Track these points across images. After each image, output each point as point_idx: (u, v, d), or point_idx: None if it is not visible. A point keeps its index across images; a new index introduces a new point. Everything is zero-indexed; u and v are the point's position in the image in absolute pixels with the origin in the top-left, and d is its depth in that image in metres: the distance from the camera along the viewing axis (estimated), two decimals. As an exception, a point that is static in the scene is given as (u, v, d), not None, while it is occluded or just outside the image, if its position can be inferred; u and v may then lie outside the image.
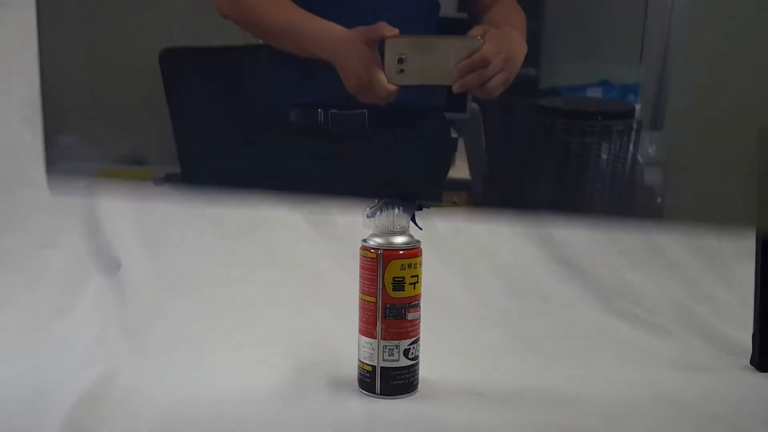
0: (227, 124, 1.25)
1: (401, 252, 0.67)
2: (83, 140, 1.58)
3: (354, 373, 0.70)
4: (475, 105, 1.72)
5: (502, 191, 1.55)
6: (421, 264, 0.69)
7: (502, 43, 0.91)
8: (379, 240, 0.68)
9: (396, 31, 0.88)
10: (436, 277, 1.03)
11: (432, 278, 0.73)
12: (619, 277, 1.23)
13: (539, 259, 1.30)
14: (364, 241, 0.67)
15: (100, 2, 1.54)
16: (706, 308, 0.91)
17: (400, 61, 0.90)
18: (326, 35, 0.95)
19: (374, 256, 0.67)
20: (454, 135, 1.31)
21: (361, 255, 0.68)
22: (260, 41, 1.09)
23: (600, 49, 1.73)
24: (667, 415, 0.67)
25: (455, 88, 0.90)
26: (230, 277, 1.10)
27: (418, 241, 0.68)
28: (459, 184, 1.30)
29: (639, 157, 1.54)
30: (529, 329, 0.87)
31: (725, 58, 1.72)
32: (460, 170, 1.29)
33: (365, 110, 1.01)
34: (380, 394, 0.69)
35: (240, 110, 1.22)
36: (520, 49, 0.95)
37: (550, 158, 1.52)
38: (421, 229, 0.69)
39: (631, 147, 1.53)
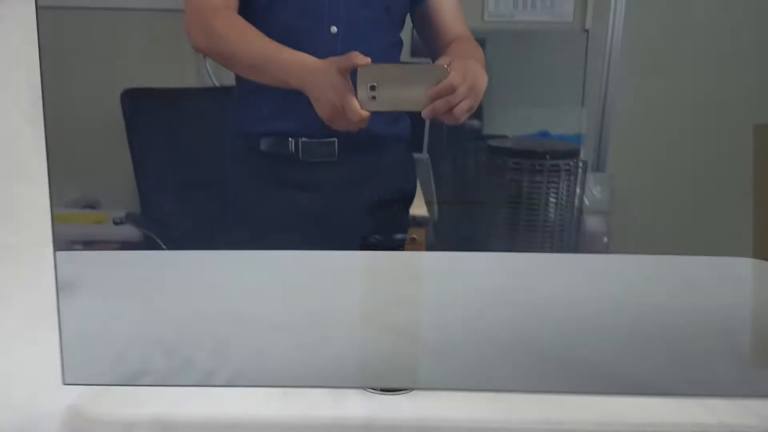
0: (190, 161, 1.26)
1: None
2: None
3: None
4: (425, 155, 1.78)
5: (454, 232, 1.59)
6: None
7: (467, 71, 0.96)
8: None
9: (368, 59, 0.93)
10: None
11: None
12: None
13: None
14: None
15: (54, 49, 1.54)
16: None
17: (372, 88, 0.94)
18: (300, 65, 0.99)
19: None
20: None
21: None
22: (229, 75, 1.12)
23: (541, 96, 1.82)
24: (658, 407, 0.70)
25: (424, 114, 0.95)
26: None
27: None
28: (419, 221, 1.34)
29: (585, 198, 1.60)
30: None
31: (664, 96, 1.83)
32: (418, 207, 1.32)
33: (335, 139, 1.04)
34: (381, 390, 0.70)
35: (204, 147, 1.24)
36: (483, 79, 1.00)
37: (502, 197, 1.56)
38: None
39: (577, 187, 1.59)
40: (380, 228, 1.04)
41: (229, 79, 1.25)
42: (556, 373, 0.73)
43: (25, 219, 1.00)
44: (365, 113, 0.95)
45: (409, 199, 1.17)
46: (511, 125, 1.80)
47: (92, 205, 1.59)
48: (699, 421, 0.62)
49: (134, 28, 1.71)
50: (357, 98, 0.94)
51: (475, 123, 1.91)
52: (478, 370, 0.69)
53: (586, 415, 0.67)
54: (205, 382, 0.69)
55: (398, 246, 1.07)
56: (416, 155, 1.56)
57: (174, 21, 1.73)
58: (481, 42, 1.24)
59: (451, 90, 0.94)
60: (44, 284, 0.85)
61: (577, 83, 1.84)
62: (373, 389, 0.66)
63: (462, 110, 0.96)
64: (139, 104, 1.38)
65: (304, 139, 1.05)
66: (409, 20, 1.13)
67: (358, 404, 0.68)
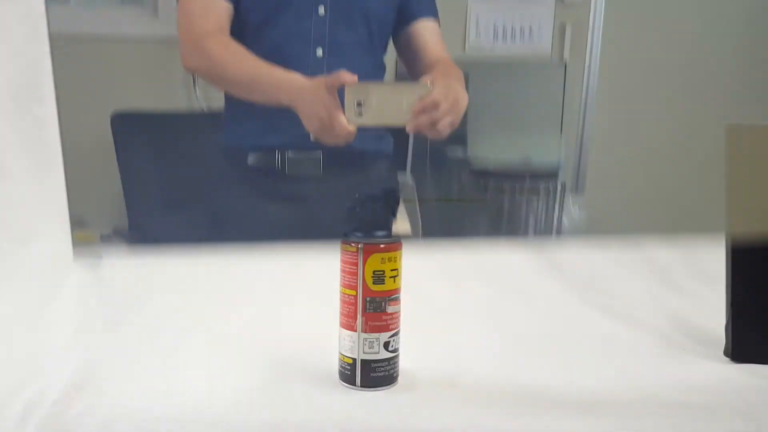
0: (178, 179, 1.29)
1: (381, 246, 0.72)
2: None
3: (335, 366, 0.73)
4: (409, 176, 1.82)
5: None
6: (401, 258, 0.73)
7: (449, 89, 1.00)
8: (359, 234, 0.73)
9: (355, 77, 0.96)
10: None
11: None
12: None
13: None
14: (345, 235, 0.71)
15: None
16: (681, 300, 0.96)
17: (359, 104, 0.98)
18: (290, 83, 1.02)
19: (354, 250, 0.71)
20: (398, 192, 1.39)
21: (342, 249, 0.72)
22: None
23: (522, 124, 1.87)
24: (642, 405, 0.71)
25: (409, 128, 0.98)
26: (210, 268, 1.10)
27: (399, 236, 0.73)
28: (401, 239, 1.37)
29: (564, 219, 1.65)
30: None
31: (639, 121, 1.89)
32: (401, 225, 1.36)
33: (320, 152, 1.08)
34: (360, 387, 0.72)
35: (189, 164, 1.27)
36: (464, 97, 1.04)
37: (484, 216, 1.60)
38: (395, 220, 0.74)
39: (556, 207, 1.63)
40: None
41: (217, 103, 1.28)
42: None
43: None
44: (352, 128, 0.98)
45: (392, 210, 1.20)
46: (494, 151, 1.85)
47: (80, 224, 1.61)
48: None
49: (126, 54, 1.76)
50: (344, 114, 0.98)
51: (459, 151, 1.96)
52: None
53: (569, 411, 0.69)
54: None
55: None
56: (401, 176, 1.60)
57: (165, 49, 1.78)
58: (464, 74, 1.28)
59: (435, 106, 0.97)
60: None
61: (556, 112, 1.90)
62: (353, 385, 0.68)
63: (445, 125, 0.99)
64: (128, 127, 1.42)
65: (290, 154, 1.08)
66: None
67: (338, 400, 0.70)
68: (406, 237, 1.38)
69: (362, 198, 0.68)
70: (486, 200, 1.56)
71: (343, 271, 0.73)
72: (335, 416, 0.68)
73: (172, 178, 1.38)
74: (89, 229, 1.52)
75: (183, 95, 1.65)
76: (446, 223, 1.58)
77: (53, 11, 0.90)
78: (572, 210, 1.66)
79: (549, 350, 0.82)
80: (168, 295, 0.92)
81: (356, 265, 0.72)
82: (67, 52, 1.44)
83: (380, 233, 0.72)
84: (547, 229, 1.59)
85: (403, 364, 0.71)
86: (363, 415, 0.68)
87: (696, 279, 0.93)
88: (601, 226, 1.57)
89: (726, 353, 0.75)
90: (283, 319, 0.87)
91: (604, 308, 0.88)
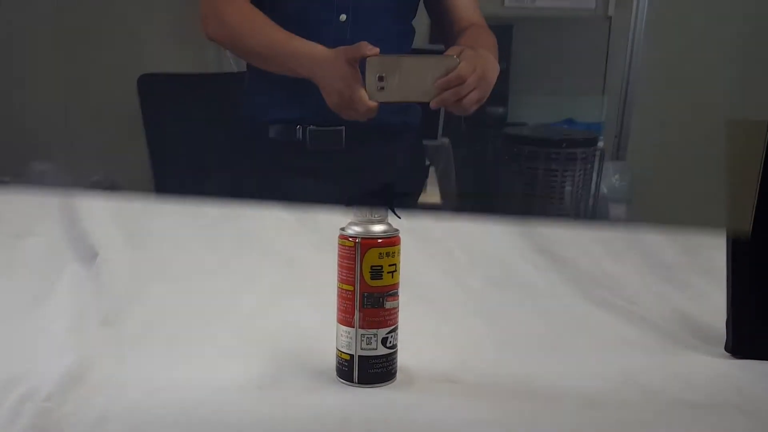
0: (204, 145, 1.28)
1: (379, 240, 0.69)
2: (57, 166, 1.58)
3: (332, 362, 0.72)
4: (445, 139, 1.77)
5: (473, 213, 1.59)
6: (399, 253, 0.71)
7: (477, 62, 0.95)
8: (357, 228, 0.70)
9: (377, 50, 0.92)
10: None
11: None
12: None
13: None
14: (342, 229, 0.69)
15: (74, 30, 1.56)
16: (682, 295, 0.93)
17: (381, 78, 0.93)
18: (309, 54, 0.98)
19: (352, 244, 0.68)
20: (426, 162, 1.35)
21: (339, 243, 0.69)
22: (235, 65, 1.14)
23: (564, 85, 1.80)
24: (642, 402, 0.69)
25: (432, 105, 0.94)
26: (208, 266, 1.10)
27: (397, 230, 0.70)
28: (431, 209, 1.34)
29: (603, 186, 1.59)
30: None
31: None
32: (432, 196, 1.32)
33: (343, 127, 1.05)
34: (358, 383, 0.70)
35: (216, 131, 1.25)
36: (494, 69, 0.99)
37: (518, 184, 1.56)
38: (399, 217, 0.72)
39: (594, 175, 1.58)
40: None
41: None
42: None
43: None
44: (373, 104, 0.95)
45: (418, 188, 1.17)
46: (533, 113, 1.79)
47: (112, 188, 1.62)
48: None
49: (155, 12, 1.73)
50: (365, 88, 0.94)
51: (499, 110, 1.90)
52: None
53: (567, 407, 0.67)
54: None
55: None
56: (434, 142, 1.56)
57: (195, 6, 1.74)
58: (505, 29, 1.22)
59: (460, 81, 0.92)
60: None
61: (598, 71, 1.81)
62: (351, 382, 0.66)
63: (471, 101, 0.95)
64: (155, 89, 1.40)
65: (312, 127, 1.06)
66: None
67: (335, 397, 0.69)
68: (437, 208, 1.35)
69: (359, 195, 0.65)
70: (520, 167, 1.50)
71: (340, 266, 0.71)
72: (332, 413, 0.67)
73: (199, 141, 1.37)
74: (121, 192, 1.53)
75: (214, 56, 1.62)
76: (480, 188, 1.54)
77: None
78: (612, 178, 1.60)
79: (550, 345, 0.80)
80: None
81: (353, 260, 0.70)
82: (93, 12, 1.43)
83: (378, 229, 0.70)
84: (585, 197, 1.54)
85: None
86: (360, 413, 0.66)
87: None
88: (643, 196, 1.51)
89: (727, 349, 0.73)
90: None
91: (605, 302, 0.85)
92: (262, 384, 0.71)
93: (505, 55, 1.39)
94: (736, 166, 0.66)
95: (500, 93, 1.80)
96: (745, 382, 0.72)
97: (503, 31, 1.49)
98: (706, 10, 1.83)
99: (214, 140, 1.28)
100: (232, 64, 1.75)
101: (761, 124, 0.62)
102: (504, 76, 1.06)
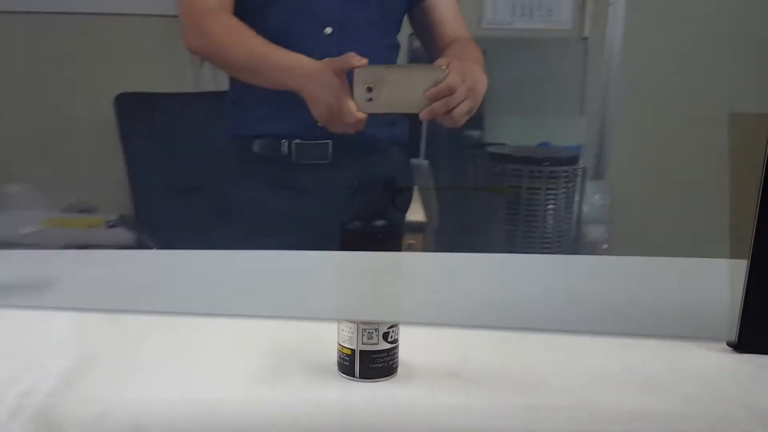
0: (182, 163, 1.25)
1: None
2: (30, 189, 1.55)
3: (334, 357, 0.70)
4: (424, 161, 1.77)
5: (454, 235, 1.57)
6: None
7: (466, 73, 0.94)
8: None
9: (365, 60, 0.90)
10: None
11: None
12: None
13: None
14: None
15: (48, 52, 1.54)
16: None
17: (369, 89, 0.92)
18: (296, 66, 0.97)
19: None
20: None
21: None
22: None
23: (541, 105, 1.81)
24: (643, 395, 0.68)
25: (422, 116, 0.93)
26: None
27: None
28: (415, 227, 1.32)
29: (584, 206, 1.59)
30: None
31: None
32: (416, 213, 1.31)
33: (329, 141, 1.03)
34: (359, 378, 0.68)
35: (195, 149, 1.22)
36: (482, 80, 0.98)
37: (501, 202, 1.55)
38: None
39: (576, 194, 1.58)
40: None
41: (226, 85, 1.24)
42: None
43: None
44: (362, 115, 0.93)
45: (405, 203, 1.15)
46: (511, 134, 1.79)
47: (87, 210, 1.58)
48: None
49: (131, 33, 1.71)
50: (354, 100, 0.92)
51: (475, 133, 1.91)
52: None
53: (566, 401, 0.66)
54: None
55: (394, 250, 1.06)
56: (415, 161, 1.55)
57: (171, 25, 1.73)
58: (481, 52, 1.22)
59: (450, 91, 0.91)
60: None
61: (576, 91, 1.83)
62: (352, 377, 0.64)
63: (461, 112, 0.93)
64: (133, 108, 1.38)
65: (297, 140, 1.04)
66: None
67: (337, 391, 0.67)
68: (421, 226, 1.33)
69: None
70: (503, 187, 1.50)
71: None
72: (333, 409, 0.65)
73: (178, 162, 1.34)
74: (98, 215, 1.49)
75: (191, 76, 1.60)
76: (462, 210, 1.53)
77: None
78: (593, 197, 1.60)
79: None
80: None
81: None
82: (72, 31, 1.40)
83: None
84: (567, 217, 1.53)
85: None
86: (362, 408, 0.64)
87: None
88: (625, 214, 1.51)
89: (730, 343, 0.72)
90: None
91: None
92: (264, 378, 0.68)
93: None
94: (738, 159, 0.66)
95: (477, 116, 1.81)
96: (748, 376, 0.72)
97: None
98: (683, 26, 1.86)
99: (195, 157, 1.25)
100: (209, 84, 1.74)
101: (764, 117, 0.62)
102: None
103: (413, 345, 0.72)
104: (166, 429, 0.63)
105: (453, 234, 1.50)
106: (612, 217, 1.57)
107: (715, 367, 0.72)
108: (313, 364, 0.71)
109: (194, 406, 0.64)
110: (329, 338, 0.71)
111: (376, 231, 0.66)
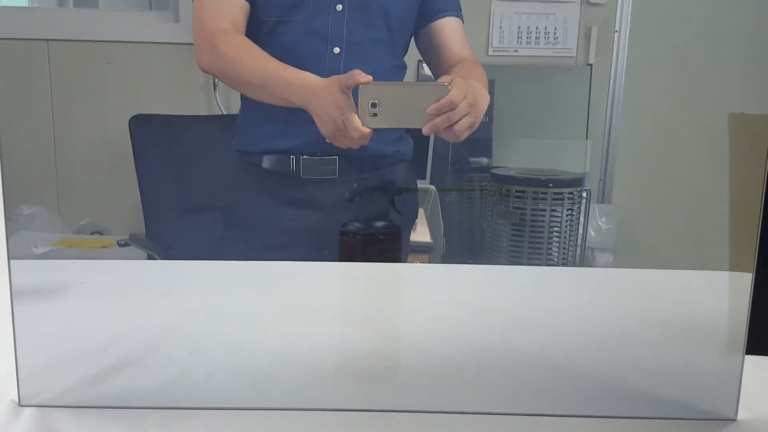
0: (194, 182, 1.28)
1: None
2: (44, 210, 1.57)
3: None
4: (432, 185, 1.79)
5: (460, 256, 1.59)
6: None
7: (468, 89, 0.97)
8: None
9: (369, 77, 0.94)
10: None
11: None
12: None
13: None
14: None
15: (66, 76, 1.57)
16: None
17: (374, 105, 0.95)
18: (303, 83, 1.00)
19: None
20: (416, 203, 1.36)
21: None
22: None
23: (546, 129, 1.84)
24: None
25: (425, 130, 0.95)
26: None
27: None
28: (421, 248, 1.34)
29: (590, 230, 1.60)
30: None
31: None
32: (421, 234, 1.33)
33: (336, 157, 1.06)
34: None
35: (206, 167, 1.25)
36: (484, 97, 1.01)
37: (506, 224, 1.56)
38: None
39: (581, 217, 1.59)
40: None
41: (237, 108, 1.27)
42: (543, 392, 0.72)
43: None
44: (366, 130, 0.96)
45: (410, 219, 1.17)
46: (518, 158, 1.82)
47: (100, 232, 1.60)
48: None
49: (144, 60, 1.75)
50: (358, 115, 0.96)
51: (483, 160, 1.93)
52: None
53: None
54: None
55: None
56: (421, 184, 1.57)
57: (185, 53, 1.77)
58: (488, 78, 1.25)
59: (452, 106, 0.94)
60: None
61: (581, 116, 1.85)
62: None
63: (463, 127, 0.96)
64: (147, 130, 1.41)
65: (305, 156, 1.07)
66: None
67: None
68: (428, 247, 1.34)
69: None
70: (508, 210, 1.52)
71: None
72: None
73: (190, 182, 1.37)
74: (109, 237, 1.52)
75: (203, 100, 1.64)
76: (467, 234, 1.55)
77: (79, 14, 0.90)
78: (599, 221, 1.61)
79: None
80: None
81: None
82: (91, 55, 1.44)
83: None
84: (573, 240, 1.55)
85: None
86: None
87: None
88: (630, 237, 1.52)
89: None
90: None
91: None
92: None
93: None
94: (737, 159, 0.67)
95: (484, 141, 1.84)
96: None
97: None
98: (687, 53, 1.89)
99: (207, 179, 1.28)
100: (220, 107, 1.77)
101: (765, 118, 0.63)
102: (487, 126, 1.08)
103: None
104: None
105: (460, 257, 1.52)
106: (617, 239, 1.58)
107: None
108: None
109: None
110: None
111: (376, 232, 0.68)
